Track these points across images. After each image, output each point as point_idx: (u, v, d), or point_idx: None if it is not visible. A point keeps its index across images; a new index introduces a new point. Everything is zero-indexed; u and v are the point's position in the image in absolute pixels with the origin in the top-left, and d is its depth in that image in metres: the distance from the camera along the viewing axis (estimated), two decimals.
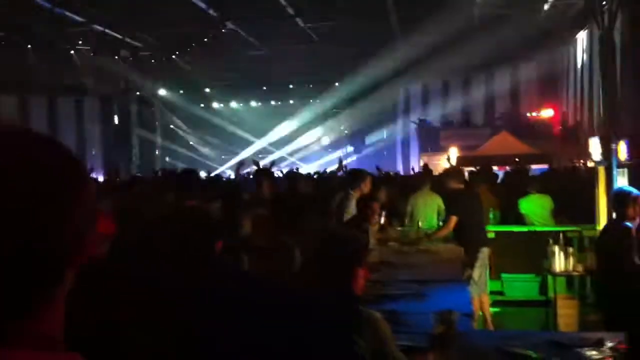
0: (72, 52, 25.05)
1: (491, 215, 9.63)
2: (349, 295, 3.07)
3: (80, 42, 24.15)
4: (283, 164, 28.23)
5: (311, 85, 31.83)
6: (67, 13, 20.31)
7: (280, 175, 14.42)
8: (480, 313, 7.56)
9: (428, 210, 9.43)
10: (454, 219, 7.57)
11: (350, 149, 31.77)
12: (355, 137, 31.86)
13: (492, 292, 8.66)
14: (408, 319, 3.89)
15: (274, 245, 3.74)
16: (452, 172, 8.32)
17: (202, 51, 25.61)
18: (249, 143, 32.47)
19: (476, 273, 7.45)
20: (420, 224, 8.94)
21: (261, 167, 9.90)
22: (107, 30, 22.86)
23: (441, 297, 4.69)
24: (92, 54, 25.02)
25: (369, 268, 5.79)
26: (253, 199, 6.41)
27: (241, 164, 10.23)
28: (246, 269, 4.30)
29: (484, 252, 7.74)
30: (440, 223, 9.43)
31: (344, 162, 14.44)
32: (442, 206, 9.54)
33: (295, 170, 12.95)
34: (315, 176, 14.72)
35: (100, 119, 32.18)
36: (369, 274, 5.33)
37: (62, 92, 29.58)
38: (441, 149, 23.36)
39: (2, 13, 19.82)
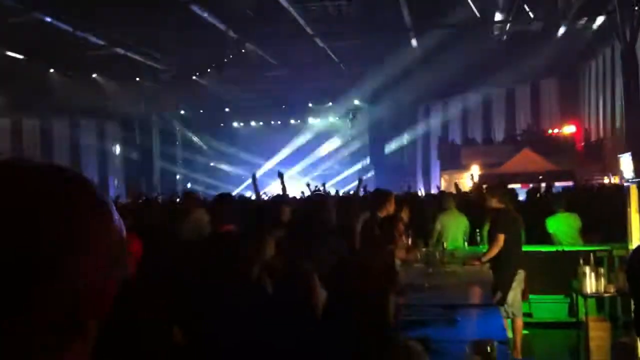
0: (93, 75, 25.29)
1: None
2: (382, 324, 2.97)
3: (101, 65, 24.36)
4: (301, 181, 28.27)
5: (330, 104, 31.86)
6: (89, 37, 20.52)
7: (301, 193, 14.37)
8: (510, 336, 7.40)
9: (456, 230, 9.33)
10: (502, 237, 7.37)
11: (369, 166, 31.63)
12: (375, 154, 31.73)
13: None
14: (441, 347, 3.77)
15: (293, 270, 3.68)
16: (495, 191, 8.10)
17: (221, 72, 25.75)
18: (268, 161, 32.51)
19: (511, 295, 7.26)
20: (445, 244, 8.82)
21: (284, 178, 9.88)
22: (128, 53, 23.06)
23: (474, 322, 4.57)
24: (113, 77, 25.26)
25: (397, 291, 5.69)
26: (273, 222, 6.34)
27: (254, 178, 10.15)
28: (270, 292, 4.24)
29: (521, 274, 7.55)
30: (465, 243, 9.31)
31: (363, 179, 14.31)
32: (468, 226, 9.45)
33: (319, 189, 12.83)
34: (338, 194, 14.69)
35: (122, 140, 32.47)
36: (401, 301, 5.23)
37: (84, 114, 29.85)
38: (462, 167, 23.21)
39: (25, 36, 20.08)
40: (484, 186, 11.79)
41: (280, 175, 10.02)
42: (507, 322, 7.36)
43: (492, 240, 7.56)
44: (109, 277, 0.83)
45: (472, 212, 9.63)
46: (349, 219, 8.49)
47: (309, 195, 12.36)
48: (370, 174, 29.70)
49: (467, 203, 10.36)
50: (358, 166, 31.79)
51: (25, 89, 24.43)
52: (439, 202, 10.19)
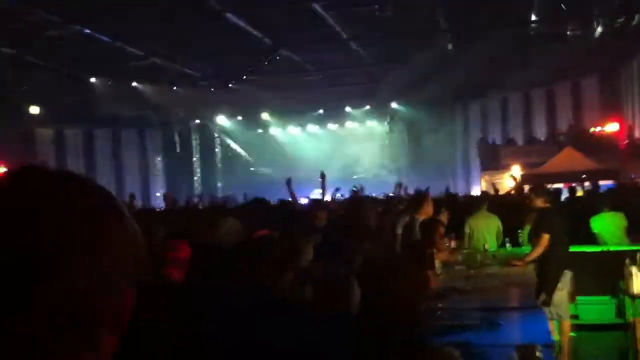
0: (134, 84, 25.64)
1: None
2: (411, 327, 2.93)
3: (141, 74, 24.70)
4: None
5: (367, 107, 31.78)
6: (128, 47, 20.83)
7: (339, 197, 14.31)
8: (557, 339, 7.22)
9: (487, 232, 9.18)
10: (546, 237, 7.22)
11: (407, 168, 31.38)
12: (414, 156, 31.46)
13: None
14: (484, 351, 3.68)
15: (331, 276, 3.64)
16: (539, 191, 7.96)
17: (258, 78, 25.90)
18: (307, 166, 32.51)
19: (557, 296, 7.09)
20: (486, 246, 8.69)
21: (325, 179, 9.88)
22: (166, 62, 23.35)
23: (517, 326, 4.47)
24: (152, 86, 25.58)
25: (436, 295, 5.61)
26: (310, 226, 6.31)
27: (289, 181, 10.13)
28: (310, 299, 4.20)
29: (567, 274, 7.37)
30: (508, 244, 9.15)
31: (403, 182, 14.21)
32: (501, 227, 9.30)
33: (357, 190, 12.76)
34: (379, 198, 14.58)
35: (162, 148, 32.91)
36: (442, 304, 5.15)
37: (125, 123, 30.33)
38: (503, 167, 22.88)
39: (65, 48, 20.48)
40: (526, 187, 11.61)
41: (322, 176, 10.01)
42: (554, 324, 7.20)
43: (536, 240, 7.40)
44: (117, 280, 0.80)
45: (511, 213, 9.47)
46: (389, 223, 8.46)
47: (347, 199, 12.33)
48: (409, 176, 29.51)
49: (505, 204, 10.17)
50: (396, 169, 31.59)
51: (67, 99, 24.94)
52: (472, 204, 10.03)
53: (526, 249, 8.07)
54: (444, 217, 8.27)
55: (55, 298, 0.75)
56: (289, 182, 10.18)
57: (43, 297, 0.74)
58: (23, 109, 26.12)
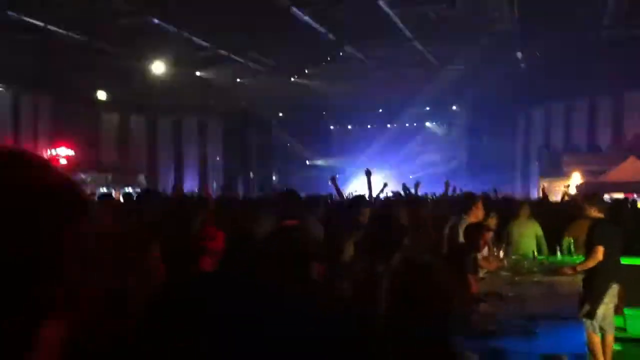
0: (197, 73, 26.09)
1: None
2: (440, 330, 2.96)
3: (205, 64, 25.11)
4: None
5: (428, 108, 31.56)
6: (194, 38, 21.22)
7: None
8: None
9: (527, 239, 9.01)
10: (600, 250, 7.06)
11: (466, 169, 31.00)
12: (472, 158, 31.06)
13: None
14: (514, 359, 3.67)
15: (366, 275, 3.70)
16: (593, 199, 7.78)
17: (320, 73, 26.03)
18: (363, 163, 32.53)
19: (602, 309, 6.92)
20: (535, 253, 8.57)
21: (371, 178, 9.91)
22: (230, 55, 23.68)
23: (553, 336, 4.42)
24: (215, 77, 25.99)
25: (476, 299, 5.59)
26: (353, 223, 6.36)
27: (368, 173, 10.15)
28: (345, 295, 4.27)
29: (615, 288, 7.18)
30: (558, 252, 8.98)
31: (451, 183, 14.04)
32: (541, 233, 9.12)
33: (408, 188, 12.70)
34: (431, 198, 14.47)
35: (221, 138, 33.41)
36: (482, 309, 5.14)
37: (187, 112, 30.93)
38: (563, 174, 22.43)
39: (135, 37, 21.02)
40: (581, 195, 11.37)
41: (368, 173, 10.03)
42: (599, 337, 7.06)
43: (589, 251, 7.24)
44: (81, 269, 0.82)
45: (559, 220, 9.28)
46: (431, 222, 8.42)
47: (388, 197, 12.32)
48: (466, 178, 29.21)
49: (554, 211, 9.96)
50: (452, 171, 31.26)
51: (133, 86, 25.59)
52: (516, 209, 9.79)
53: (569, 258, 7.92)
54: (492, 222, 8.20)
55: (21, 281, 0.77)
56: (333, 179, 10.26)
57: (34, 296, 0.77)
58: (91, 95, 26.94)
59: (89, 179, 23.73)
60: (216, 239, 4.23)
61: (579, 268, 7.24)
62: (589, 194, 9.24)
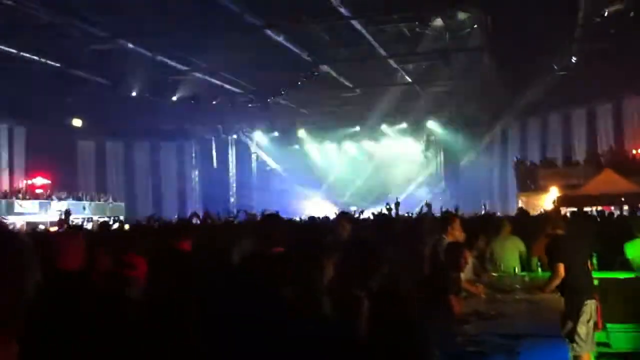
0: (173, 98, 25.99)
1: (593, 261, 9.09)
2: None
3: (180, 88, 25.03)
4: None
5: (404, 125, 31.69)
6: (169, 61, 21.18)
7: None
8: None
9: (510, 255, 8.94)
10: (561, 267, 7.02)
11: (443, 186, 31.04)
12: (450, 176, 31.16)
13: (596, 344, 8.09)
14: None
15: (345, 295, 3.68)
16: (554, 216, 7.76)
17: (296, 94, 26.06)
18: (343, 184, 32.57)
19: (583, 330, 6.85)
20: (516, 269, 8.54)
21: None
22: (206, 77, 23.65)
23: (536, 355, 4.39)
24: (192, 101, 25.86)
25: (459, 320, 5.55)
26: (333, 242, 6.32)
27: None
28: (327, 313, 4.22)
29: (590, 304, 7.12)
30: (539, 269, 8.96)
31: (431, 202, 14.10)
32: (523, 249, 9.05)
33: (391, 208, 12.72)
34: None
35: (199, 162, 33.31)
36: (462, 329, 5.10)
37: (164, 136, 30.80)
38: (541, 188, 22.58)
39: (109, 62, 20.94)
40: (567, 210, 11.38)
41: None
42: (590, 355, 7.03)
43: (551, 269, 7.21)
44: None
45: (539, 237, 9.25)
46: (418, 243, 8.39)
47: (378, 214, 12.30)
48: (445, 196, 29.30)
49: (529, 227, 9.92)
50: (431, 188, 31.37)
51: (109, 112, 25.44)
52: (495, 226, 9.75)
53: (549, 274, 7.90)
54: (481, 243, 8.20)
55: None
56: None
57: None
58: (66, 122, 26.74)
59: (65, 207, 23.48)
60: (138, 267, 4.14)
61: (546, 290, 7.16)
62: (551, 210, 9.25)
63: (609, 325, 8.76)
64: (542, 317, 5.99)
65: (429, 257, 7.95)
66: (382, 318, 3.10)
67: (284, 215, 12.39)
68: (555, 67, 21.80)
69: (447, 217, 7.77)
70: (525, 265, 8.93)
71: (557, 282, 7.00)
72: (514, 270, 8.49)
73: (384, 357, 3.00)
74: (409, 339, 2.93)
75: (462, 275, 6.55)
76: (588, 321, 6.92)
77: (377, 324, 3.06)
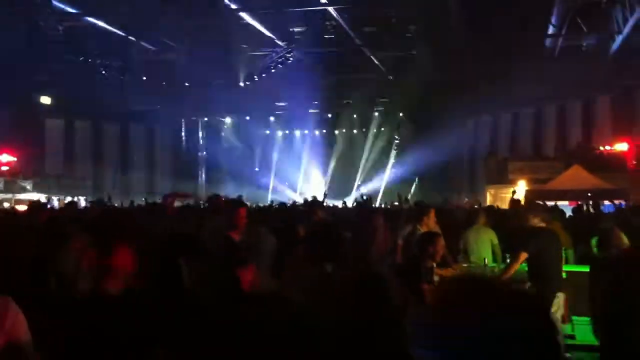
0: (144, 78, 25.54)
1: (564, 255, 9.20)
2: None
3: (151, 69, 24.63)
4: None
5: (376, 114, 31.74)
6: (141, 42, 20.88)
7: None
8: None
9: (480, 246, 8.97)
10: (523, 255, 7.05)
11: (413, 179, 31.14)
12: (420, 167, 31.24)
13: (563, 336, 8.19)
14: None
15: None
16: (536, 210, 7.73)
17: (267, 80, 25.87)
18: (312, 172, 32.54)
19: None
20: (486, 260, 8.58)
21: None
22: (178, 59, 23.37)
23: None
24: (163, 83, 25.48)
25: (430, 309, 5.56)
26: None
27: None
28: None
29: (560, 297, 7.18)
30: (501, 259, 9.01)
31: (406, 195, 14.20)
32: (496, 241, 9.06)
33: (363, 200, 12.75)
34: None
35: (169, 145, 32.98)
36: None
37: (133, 118, 30.39)
38: (509, 182, 22.79)
39: (80, 41, 20.58)
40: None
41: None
42: None
43: (513, 257, 7.24)
44: None
45: (507, 229, 9.30)
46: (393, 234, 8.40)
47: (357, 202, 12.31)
48: (415, 188, 29.47)
49: (498, 219, 9.98)
50: (401, 179, 31.46)
51: (78, 91, 25.01)
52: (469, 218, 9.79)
53: (522, 267, 7.95)
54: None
55: None
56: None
57: None
58: (34, 99, 26.24)
59: (29, 186, 23.08)
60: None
61: (504, 277, 7.17)
62: (530, 203, 9.27)
63: (574, 317, 8.88)
64: None
65: (402, 246, 7.99)
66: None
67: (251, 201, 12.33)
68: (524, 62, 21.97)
69: (422, 208, 7.78)
70: (497, 257, 8.95)
71: (513, 268, 7.02)
72: (484, 261, 8.54)
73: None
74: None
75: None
76: (555, 312, 6.99)
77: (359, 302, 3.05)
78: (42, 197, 21.52)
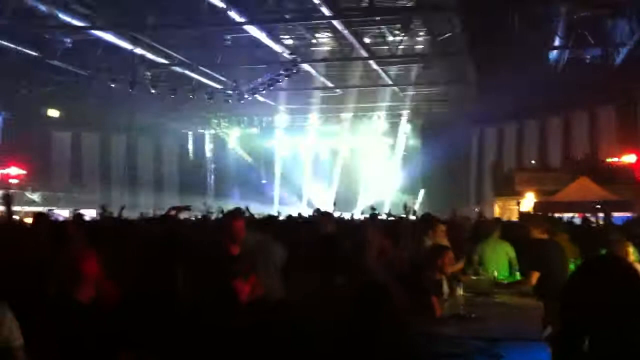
0: (152, 91, 25.59)
1: (572, 267, 9.19)
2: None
3: (160, 82, 24.66)
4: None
5: (383, 128, 31.82)
6: (148, 54, 20.94)
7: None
8: None
9: (497, 258, 8.92)
10: (535, 275, 7.03)
11: (420, 190, 31.12)
12: (427, 179, 31.21)
13: None
14: None
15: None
16: (534, 220, 7.77)
17: (276, 91, 25.98)
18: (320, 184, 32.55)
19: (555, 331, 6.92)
20: (495, 273, 8.55)
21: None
22: (186, 72, 23.43)
23: (518, 358, 4.42)
24: (171, 95, 25.46)
25: (439, 322, 5.57)
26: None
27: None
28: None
29: None
30: (517, 273, 9.00)
31: (413, 206, 14.18)
32: (513, 254, 9.01)
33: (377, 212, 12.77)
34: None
35: (177, 155, 33.10)
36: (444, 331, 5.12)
37: (141, 130, 30.51)
38: (517, 194, 22.77)
39: (88, 54, 20.68)
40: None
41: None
42: None
43: (525, 275, 7.24)
44: None
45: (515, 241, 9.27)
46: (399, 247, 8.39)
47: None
48: (422, 199, 29.44)
49: (511, 231, 9.96)
50: (408, 191, 31.43)
51: (86, 104, 25.13)
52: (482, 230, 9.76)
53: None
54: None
55: None
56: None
57: None
58: (42, 112, 26.38)
59: (37, 199, 23.20)
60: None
61: (511, 291, 7.22)
62: (532, 215, 9.27)
63: None
64: (523, 321, 6.02)
65: (409, 258, 7.99)
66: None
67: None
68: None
69: (429, 220, 7.78)
70: (514, 270, 8.89)
71: (526, 286, 7.04)
72: (494, 273, 8.51)
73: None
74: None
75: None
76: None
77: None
78: (49, 210, 21.61)
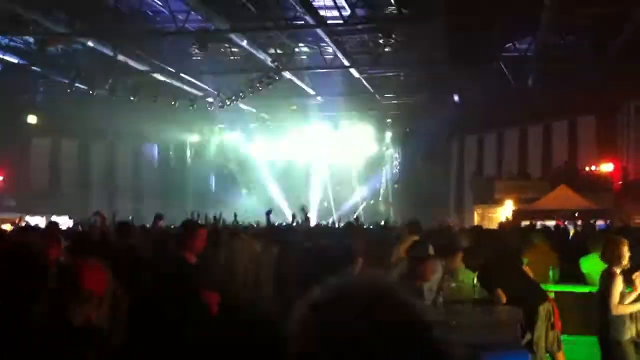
0: (132, 98, 25.39)
1: (550, 274, 9.24)
2: None
3: (140, 89, 24.49)
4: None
5: (364, 132, 31.88)
6: (130, 62, 20.81)
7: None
8: None
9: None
10: (499, 291, 7.05)
11: (399, 197, 31.13)
12: (407, 187, 31.27)
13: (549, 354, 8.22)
14: None
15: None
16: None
17: (257, 98, 25.90)
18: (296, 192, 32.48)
19: (536, 333, 6.96)
20: (475, 280, 8.58)
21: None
22: (167, 79, 23.32)
23: None
24: (152, 102, 25.27)
25: None
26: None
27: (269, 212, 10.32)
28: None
29: (544, 307, 7.23)
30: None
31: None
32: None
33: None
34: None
35: (157, 163, 32.91)
36: None
37: (121, 137, 30.32)
38: (496, 201, 22.91)
39: (68, 60, 20.56)
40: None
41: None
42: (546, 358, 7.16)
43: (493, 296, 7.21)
44: None
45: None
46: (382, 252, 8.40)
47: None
48: (400, 206, 29.53)
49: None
50: (386, 198, 31.53)
51: (65, 110, 24.90)
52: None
53: None
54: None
55: None
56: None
57: None
58: (21, 118, 26.14)
59: (14, 204, 22.97)
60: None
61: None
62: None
63: (563, 337, 8.91)
64: (502, 328, 6.05)
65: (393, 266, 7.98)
66: None
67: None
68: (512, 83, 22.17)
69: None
70: None
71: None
72: (473, 281, 8.53)
73: None
74: None
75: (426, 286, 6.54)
76: (540, 326, 7.04)
77: None
78: (27, 217, 21.34)
